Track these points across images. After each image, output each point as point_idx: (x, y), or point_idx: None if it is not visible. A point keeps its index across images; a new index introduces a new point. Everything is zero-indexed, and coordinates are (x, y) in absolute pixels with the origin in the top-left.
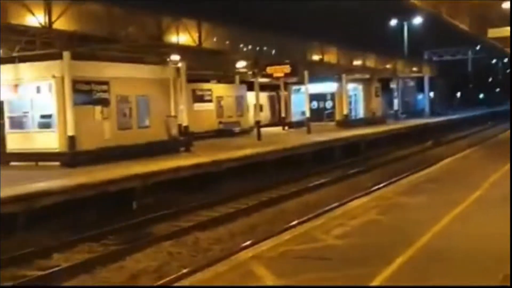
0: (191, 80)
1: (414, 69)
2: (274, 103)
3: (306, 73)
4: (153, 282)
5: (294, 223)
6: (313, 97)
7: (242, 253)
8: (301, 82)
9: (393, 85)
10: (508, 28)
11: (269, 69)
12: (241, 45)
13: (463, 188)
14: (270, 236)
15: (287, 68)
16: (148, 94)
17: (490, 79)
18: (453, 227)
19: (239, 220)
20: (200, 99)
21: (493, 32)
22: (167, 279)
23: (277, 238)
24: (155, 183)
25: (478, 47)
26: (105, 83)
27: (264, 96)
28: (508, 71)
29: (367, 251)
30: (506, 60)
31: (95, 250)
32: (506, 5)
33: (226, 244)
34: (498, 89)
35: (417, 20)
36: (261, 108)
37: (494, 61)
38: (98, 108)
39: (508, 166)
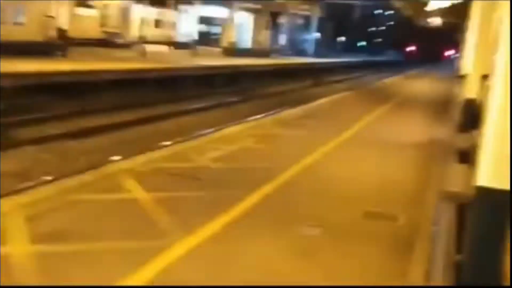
0: None
1: (305, 7)
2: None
3: None
4: (16, 185)
5: (169, 142)
6: (202, 20)
7: (112, 165)
8: (191, 2)
9: (282, 20)
10: None
11: None
12: None
13: (336, 126)
14: (143, 152)
15: None
16: None
17: (373, 28)
18: (323, 161)
19: (113, 133)
20: (83, 4)
21: None
22: (31, 183)
23: (150, 155)
24: (26, 85)
25: None
26: None
27: (153, 12)
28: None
29: (238, 176)
30: (389, 12)
31: None
32: None
33: (96, 156)
34: (379, 39)
35: None
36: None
37: (378, 11)
38: None
39: (380, 110)
